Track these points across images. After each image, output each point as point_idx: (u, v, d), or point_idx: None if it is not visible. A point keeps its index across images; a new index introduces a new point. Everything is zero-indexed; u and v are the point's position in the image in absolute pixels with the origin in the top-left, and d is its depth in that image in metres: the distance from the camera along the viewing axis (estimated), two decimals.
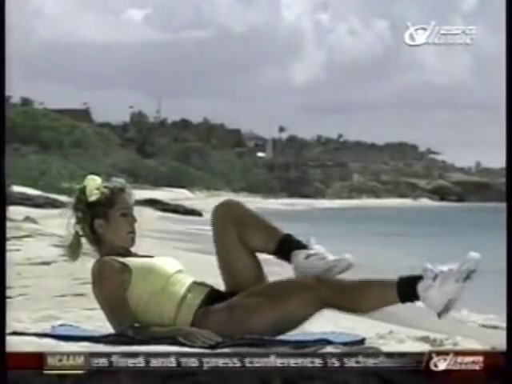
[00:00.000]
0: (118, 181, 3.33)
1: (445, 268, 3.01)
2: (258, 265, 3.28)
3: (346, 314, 3.15)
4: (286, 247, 3.24)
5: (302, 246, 3.24)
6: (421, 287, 3.01)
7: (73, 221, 3.28)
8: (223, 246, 3.26)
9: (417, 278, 3.03)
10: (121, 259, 3.19)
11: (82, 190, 3.27)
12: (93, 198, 3.25)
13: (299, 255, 3.22)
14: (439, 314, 3.02)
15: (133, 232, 3.28)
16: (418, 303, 3.06)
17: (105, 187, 3.27)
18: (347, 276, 3.20)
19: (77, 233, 3.29)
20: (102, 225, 3.25)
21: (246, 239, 3.24)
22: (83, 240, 3.29)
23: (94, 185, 3.27)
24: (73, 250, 3.31)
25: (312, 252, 3.22)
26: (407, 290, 3.03)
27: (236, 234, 3.24)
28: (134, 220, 3.29)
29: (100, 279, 3.16)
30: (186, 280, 3.22)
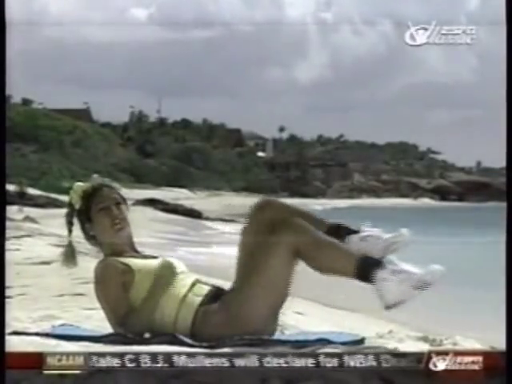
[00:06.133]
0: (95, 179, 3.36)
1: (407, 268, 3.03)
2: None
3: (309, 267, 3.12)
4: (337, 234, 3.20)
5: (353, 232, 3.23)
6: (379, 276, 3.02)
7: (67, 231, 3.34)
8: (254, 245, 3.17)
9: (376, 264, 3.04)
10: (123, 260, 3.21)
11: (69, 201, 3.34)
12: (77, 207, 3.31)
13: (353, 239, 3.20)
14: (386, 308, 3.04)
15: (118, 223, 3.27)
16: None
17: (82, 191, 3.31)
18: None
19: (70, 243, 3.34)
20: (90, 227, 3.30)
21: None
22: (77, 246, 3.35)
23: (75, 194, 3.32)
24: (68, 260, 3.35)
25: (365, 234, 3.21)
26: (365, 272, 3.04)
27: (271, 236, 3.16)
28: (116, 211, 3.28)
29: (102, 280, 3.18)
30: (189, 280, 3.22)
